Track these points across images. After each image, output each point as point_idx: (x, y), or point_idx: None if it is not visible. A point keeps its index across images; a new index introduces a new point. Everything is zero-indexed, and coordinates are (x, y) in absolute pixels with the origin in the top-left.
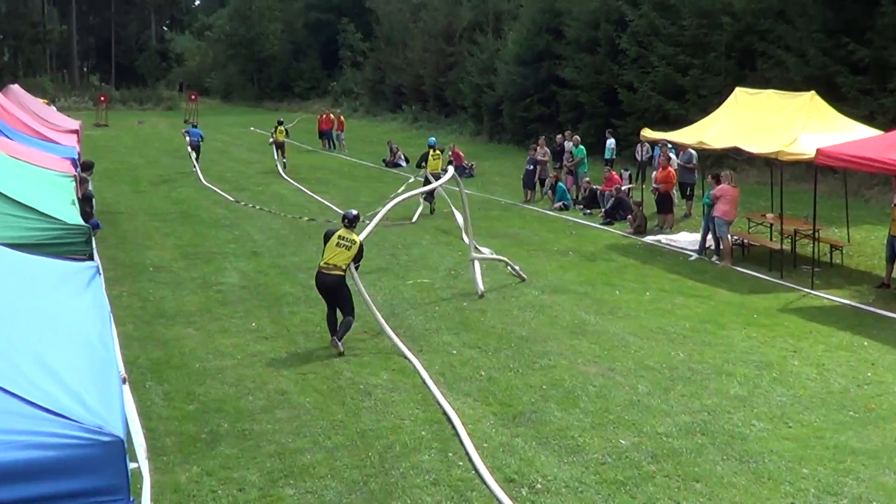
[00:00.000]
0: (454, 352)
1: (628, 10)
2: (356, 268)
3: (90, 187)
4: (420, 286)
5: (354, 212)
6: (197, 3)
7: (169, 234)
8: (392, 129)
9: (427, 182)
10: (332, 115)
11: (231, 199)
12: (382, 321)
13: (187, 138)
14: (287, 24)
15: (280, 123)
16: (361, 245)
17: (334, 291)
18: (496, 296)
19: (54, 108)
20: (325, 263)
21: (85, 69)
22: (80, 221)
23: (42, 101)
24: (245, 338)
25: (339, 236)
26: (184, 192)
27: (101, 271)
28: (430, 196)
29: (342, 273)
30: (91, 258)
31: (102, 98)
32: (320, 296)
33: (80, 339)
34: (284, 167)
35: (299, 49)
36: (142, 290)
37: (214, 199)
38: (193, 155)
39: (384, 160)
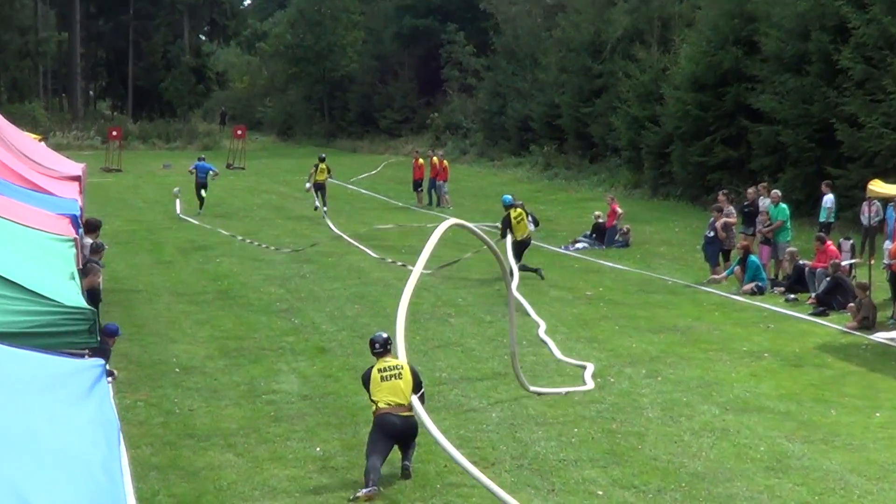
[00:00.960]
0: (599, 493)
1: (851, 14)
2: (421, 400)
3: (99, 274)
4: (553, 398)
5: (384, 335)
6: (247, 2)
7: (203, 322)
8: (515, 179)
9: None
10: (433, 159)
11: (288, 250)
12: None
13: (192, 173)
14: (371, 32)
15: (322, 160)
16: (414, 370)
17: (411, 435)
18: (659, 413)
19: (47, 147)
20: (387, 404)
21: (91, 93)
22: (82, 302)
23: (32, 136)
24: (306, 468)
25: (379, 369)
26: (224, 263)
27: (110, 372)
28: (518, 262)
29: (412, 414)
30: (96, 353)
31: (114, 133)
32: (378, 440)
33: (76, 466)
34: (325, 212)
35: (388, 67)
36: (164, 398)
37: (266, 275)
38: (201, 193)
39: None
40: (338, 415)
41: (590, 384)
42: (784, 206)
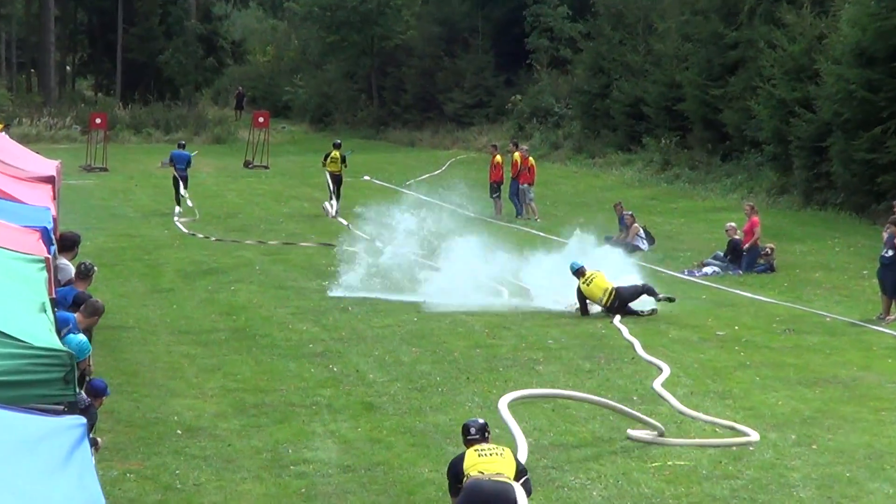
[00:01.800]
0: None
1: None
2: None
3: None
4: (673, 473)
5: (481, 421)
6: None
7: (213, 370)
8: (623, 182)
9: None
10: (515, 155)
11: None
12: None
13: (168, 165)
14: None
15: (336, 147)
16: (520, 464)
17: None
18: (814, 493)
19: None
20: (480, 472)
21: (69, 68)
22: (56, 342)
23: None
24: None
25: (476, 448)
26: (241, 291)
27: (93, 440)
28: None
29: (512, 483)
30: (76, 409)
31: (98, 121)
32: None
33: None
34: (336, 210)
35: (456, 34)
36: (162, 470)
37: (295, 307)
38: (181, 191)
39: (608, 238)
40: (389, 492)
41: (753, 435)
42: None
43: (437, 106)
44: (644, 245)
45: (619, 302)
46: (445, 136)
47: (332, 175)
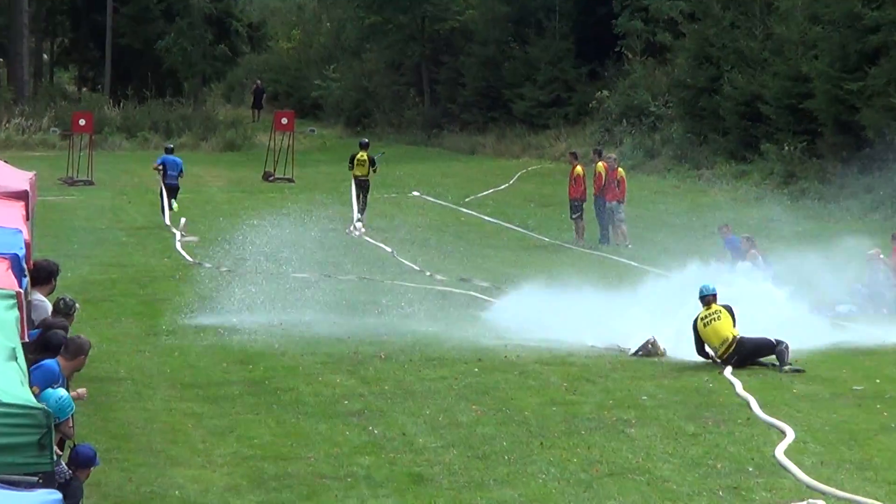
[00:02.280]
0: None
1: None
2: None
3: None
4: None
5: None
6: None
7: (223, 433)
8: (735, 199)
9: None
10: (599, 166)
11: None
12: None
13: (160, 171)
14: None
15: (363, 147)
16: None
17: None
18: None
19: None
20: None
21: (46, 56)
22: (30, 398)
23: None
24: None
25: None
26: (260, 336)
27: None
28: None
29: None
30: (54, 482)
31: (83, 122)
32: None
33: None
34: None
35: (526, 15)
36: None
37: (326, 353)
38: (166, 202)
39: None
40: None
41: None
42: None
43: (503, 104)
44: (768, 269)
45: (739, 357)
46: (514, 141)
47: (359, 180)
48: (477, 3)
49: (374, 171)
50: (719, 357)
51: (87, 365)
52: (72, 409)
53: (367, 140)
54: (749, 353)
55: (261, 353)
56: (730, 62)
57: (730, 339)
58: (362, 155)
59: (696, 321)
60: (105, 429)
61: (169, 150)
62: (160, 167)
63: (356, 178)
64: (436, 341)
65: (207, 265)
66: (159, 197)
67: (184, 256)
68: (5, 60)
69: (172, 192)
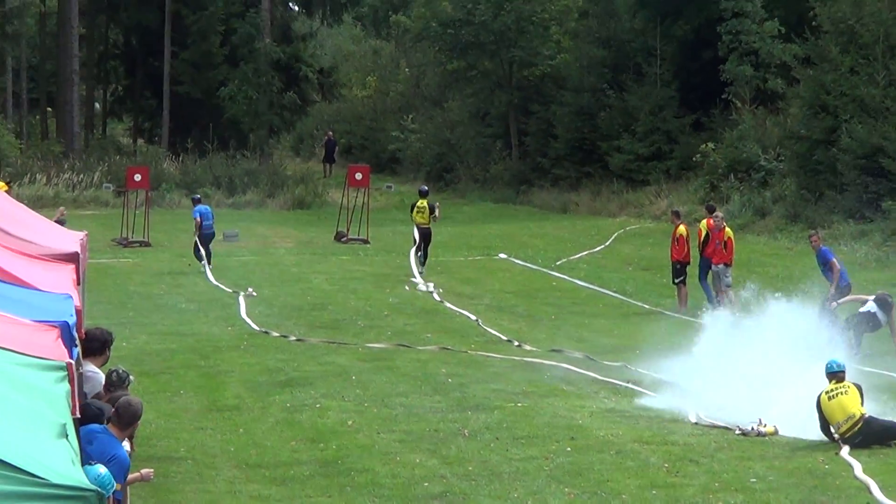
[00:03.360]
0: None
1: None
2: None
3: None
4: None
5: None
6: None
7: None
8: (856, 261)
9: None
10: (705, 224)
11: None
12: None
13: (197, 220)
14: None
15: (423, 195)
16: None
17: None
18: None
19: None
20: None
21: (98, 106)
22: (82, 479)
23: None
24: None
25: None
26: (331, 410)
27: None
28: None
29: None
30: None
31: (138, 177)
32: None
33: None
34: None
35: (624, 60)
36: None
37: (405, 431)
38: (203, 254)
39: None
40: None
41: None
42: None
43: (598, 158)
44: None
45: (864, 438)
46: (610, 198)
47: (421, 229)
48: (570, 47)
49: (435, 219)
50: (840, 434)
51: (145, 444)
52: (112, 487)
53: (426, 188)
54: (876, 435)
55: (333, 431)
56: (848, 111)
57: (856, 417)
58: (422, 203)
59: (820, 396)
60: None
61: (197, 201)
62: (198, 219)
63: (418, 226)
64: (524, 418)
65: (275, 334)
66: (195, 250)
67: (249, 325)
68: (54, 110)
69: (209, 239)
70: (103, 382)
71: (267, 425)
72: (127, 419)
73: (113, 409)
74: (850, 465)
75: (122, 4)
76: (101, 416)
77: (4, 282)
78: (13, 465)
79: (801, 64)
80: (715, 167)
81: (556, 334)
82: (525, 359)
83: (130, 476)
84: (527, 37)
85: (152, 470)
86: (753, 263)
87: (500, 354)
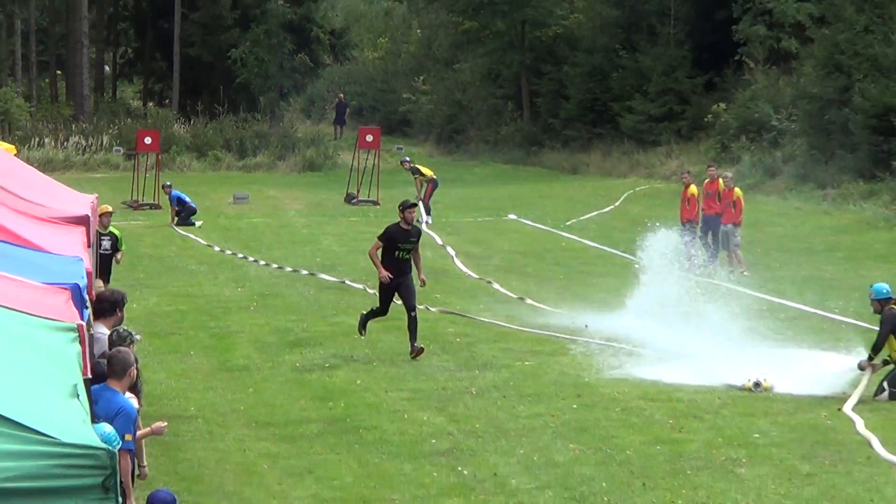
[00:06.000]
0: None
1: None
2: None
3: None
4: None
5: None
6: None
7: (302, 474)
8: (861, 221)
9: None
10: (715, 183)
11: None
12: None
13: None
14: None
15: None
16: None
17: None
18: None
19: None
20: None
21: (108, 69)
22: (92, 437)
23: (3, 146)
24: None
25: None
26: (340, 370)
27: None
28: None
29: None
30: None
31: (148, 140)
32: None
33: None
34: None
35: (636, 21)
36: None
37: (412, 389)
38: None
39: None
40: None
41: None
42: None
43: (610, 119)
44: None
45: None
46: (621, 159)
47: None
48: (583, 7)
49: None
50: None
51: (156, 403)
52: (118, 443)
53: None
54: None
55: (341, 390)
56: (862, 71)
57: None
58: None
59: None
60: (174, 470)
61: (170, 187)
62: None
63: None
64: (531, 376)
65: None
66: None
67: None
68: (63, 73)
69: (192, 213)
70: None
71: (276, 385)
72: (119, 369)
73: (109, 364)
74: (851, 421)
75: None
76: (104, 375)
77: (15, 245)
78: (25, 425)
79: (816, 23)
80: (726, 127)
81: (564, 294)
82: (536, 318)
83: (144, 430)
84: (539, 0)
85: (165, 423)
86: (761, 224)
87: (510, 314)
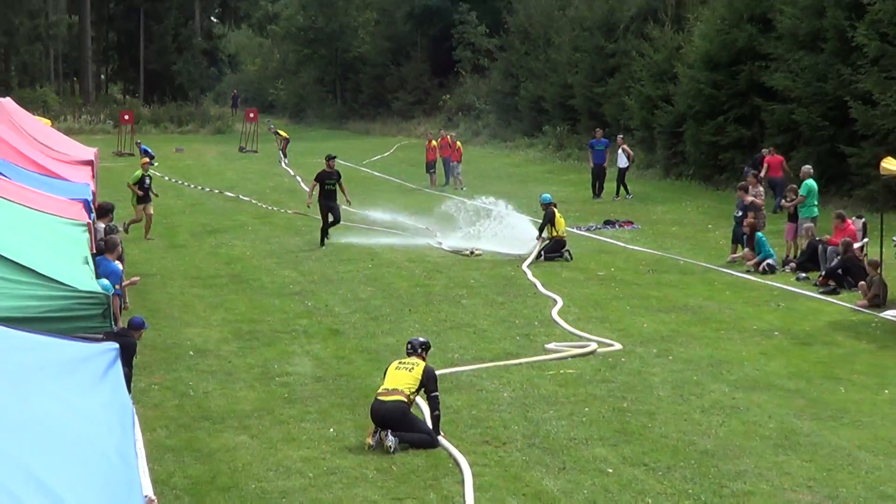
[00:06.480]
0: (609, 470)
1: None
2: (431, 407)
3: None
4: (564, 379)
5: (422, 339)
6: None
7: (216, 306)
8: (528, 160)
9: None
10: (446, 139)
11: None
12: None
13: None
14: (383, 13)
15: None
16: (429, 369)
17: (395, 421)
18: (669, 392)
19: (58, 131)
20: (383, 389)
21: (103, 77)
22: (96, 287)
23: (43, 120)
24: (320, 449)
25: (399, 360)
26: (237, 247)
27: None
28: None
29: (405, 400)
30: (111, 337)
31: (126, 117)
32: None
33: (91, 449)
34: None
35: (400, 48)
36: (179, 382)
37: (279, 258)
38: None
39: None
40: (351, 396)
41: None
42: (812, 181)
43: (386, 103)
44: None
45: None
46: (392, 126)
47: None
48: (370, 41)
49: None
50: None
51: (133, 265)
52: (111, 290)
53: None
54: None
55: (238, 258)
56: (524, 76)
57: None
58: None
59: (552, 214)
60: (144, 305)
61: (140, 143)
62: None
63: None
64: (345, 248)
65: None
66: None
67: (202, 203)
68: (77, 79)
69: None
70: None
71: (201, 255)
72: (111, 247)
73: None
74: (525, 272)
75: (115, 19)
76: (102, 251)
77: (49, 176)
78: (54, 279)
79: (498, 50)
80: (450, 108)
81: (363, 203)
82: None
83: (126, 281)
84: (346, 35)
85: (138, 278)
86: (472, 161)
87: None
